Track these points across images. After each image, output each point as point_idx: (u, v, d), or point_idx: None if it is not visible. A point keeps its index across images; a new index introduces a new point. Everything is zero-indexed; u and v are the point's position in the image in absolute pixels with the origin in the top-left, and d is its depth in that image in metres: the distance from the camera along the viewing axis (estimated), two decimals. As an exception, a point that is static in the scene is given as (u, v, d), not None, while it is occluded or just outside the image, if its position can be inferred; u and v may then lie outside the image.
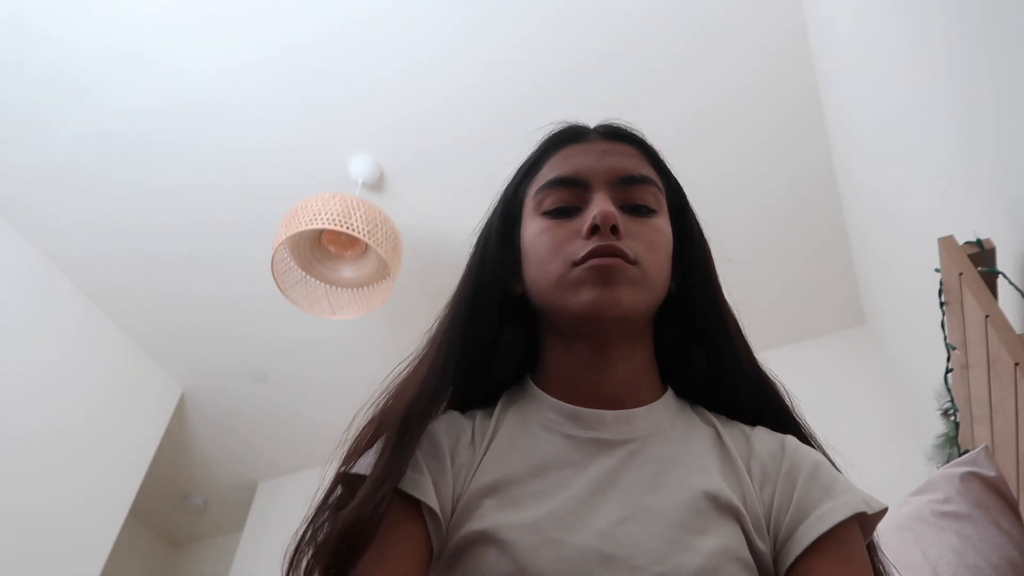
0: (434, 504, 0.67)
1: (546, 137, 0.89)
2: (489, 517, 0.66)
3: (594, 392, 0.77)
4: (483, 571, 0.63)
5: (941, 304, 1.35)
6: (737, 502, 0.68)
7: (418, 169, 2.79)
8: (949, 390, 1.45)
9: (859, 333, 3.10)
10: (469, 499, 0.69)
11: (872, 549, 0.72)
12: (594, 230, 0.75)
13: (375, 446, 0.70)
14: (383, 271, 2.66)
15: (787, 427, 0.79)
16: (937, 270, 1.32)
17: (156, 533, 4.29)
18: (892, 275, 2.36)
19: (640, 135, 0.87)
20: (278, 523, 3.63)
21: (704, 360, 0.81)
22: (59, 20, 2.43)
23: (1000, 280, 1.22)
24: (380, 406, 0.76)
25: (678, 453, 0.73)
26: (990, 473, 1.12)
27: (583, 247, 0.75)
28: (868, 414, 2.76)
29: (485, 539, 0.65)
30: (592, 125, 0.88)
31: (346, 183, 2.74)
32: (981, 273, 1.19)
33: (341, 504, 0.69)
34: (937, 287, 1.35)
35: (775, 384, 0.82)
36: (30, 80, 2.56)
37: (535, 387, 0.80)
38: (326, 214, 2.40)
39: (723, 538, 0.65)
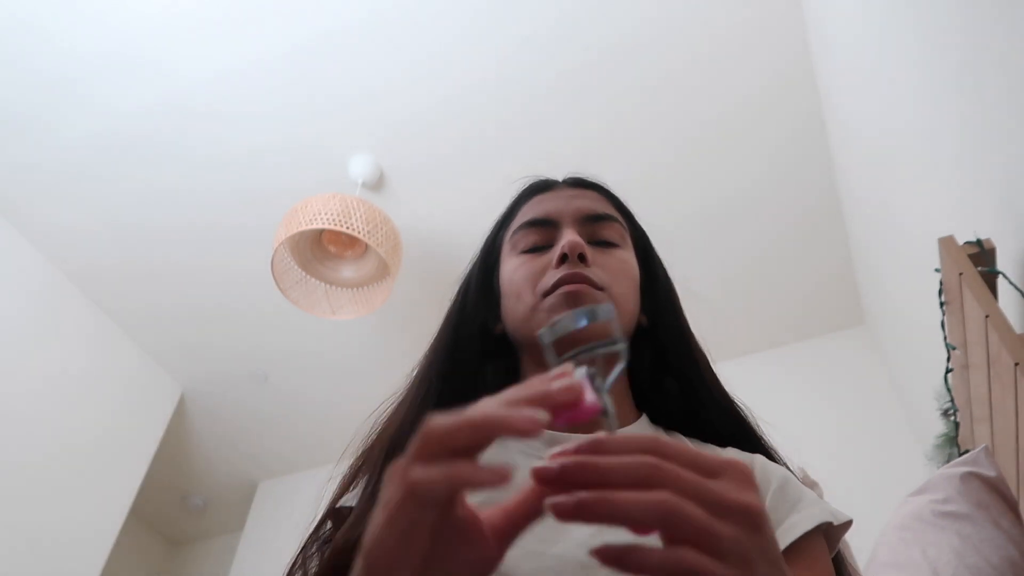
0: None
1: (520, 190, 0.97)
2: None
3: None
4: None
5: (941, 304, 1.35)
6: None
7: (418, 169, 2.79)
8: (949, 390, 1.45)
9: (859, 333, 3.10)
10: None
11: (840, 561, 0.74)
12: (563, 259, 0.80)
13: (360, 483, 0.75)
14: (383, 271, 2.66)
15: (755, 448, 0.82)
16: (937, 270, 1.32)
17: (156, 533, 4.29)
18: (892, 275, 2.36)
19: (604, 184, 0.95)
20: (278, 523, 3.64)
21: (676, 388, 0.85)
22: (59, 21, 2.43)
23: (1000, 280, 1.22)
24: (364, 444, 0.81)
25: None
26: (990, 473, 1.12)
27: (553, 276, 0.80)
28: (868, 414, 2.76)
29: None
30: (560, 179, 0.96)
31: (346, 183, 2.74)
32: (981, 273, 1.19)
33: (331, 537, 0.72)
34: (937, 287, 1.35)
35: (742, 410, 0.86)
36: (31, 82, 2.56)
37: None
38: (326, 214, 2.40)
39: None
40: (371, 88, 2.59)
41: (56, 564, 2.93)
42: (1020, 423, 1.05)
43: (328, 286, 2.71)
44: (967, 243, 1.25)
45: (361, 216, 2.44)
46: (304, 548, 0.73)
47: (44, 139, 2.71)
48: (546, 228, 0.86)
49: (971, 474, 1.12)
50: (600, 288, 0.79)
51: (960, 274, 1.19)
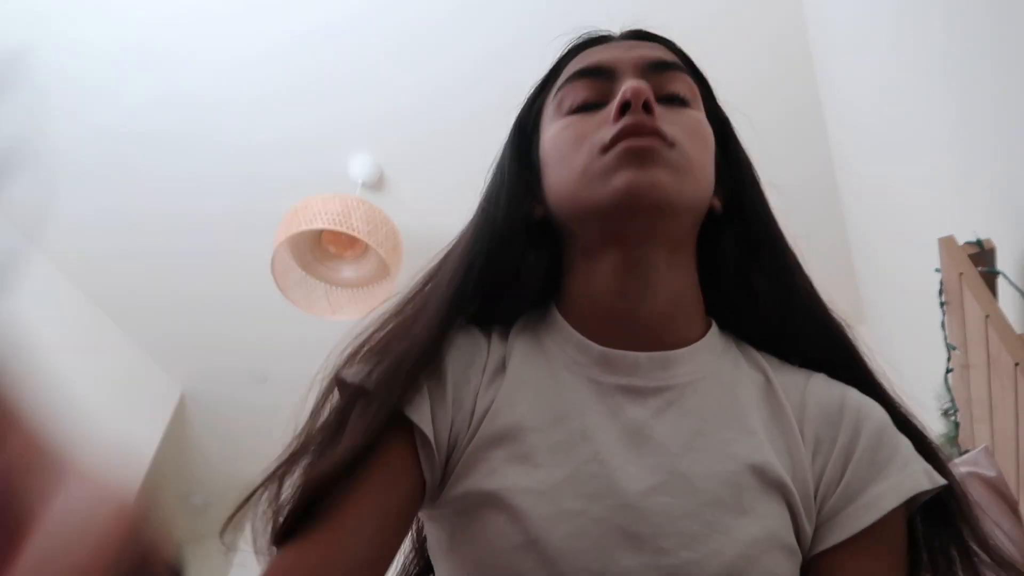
0: (428, 430, 0.59)
1: (565, 46, 0.77)
2: (499, 475, 0.57)
3: (627, 324, 0.64)
4: (490, 539, 0.56)
5: (941, 304, 1.35)
6: (786, 477, 0.58)
7: (418, 169, 2.79)
8: (949, 390, 1.45)
9: (859, 333, 3.09)
10: (477, 446, 0.60)
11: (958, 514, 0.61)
12: (624, 108, 0.63)
13: (384, 359, 0.64)
14: (383, 271, 2.65)
15: (854, 377, 0.67)
16: (937, 270, 1.32)
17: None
18: (892, 275, 2.36)
19: (672, 40, 0.77)
20: (278, 523, 3.64)
21: (767, 287, 0.70)
22: (64, 14, 2.43)
23: (1000, 280, 1.22)
24: (383, 331, 0.70)
25: (722, 408, 0.62)
26: (990, 473, 1.12)
27: (612, 130, 0.63)
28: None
29: (493, 503, 0.56)
30: (616, 32, 0.77)
31: (346, 183, 2.74)
32: (981, 273, 1.19)
33: (341, 415, 0.63)
34: (937, 287, 1.35)
35: (842, 325, 0.71)
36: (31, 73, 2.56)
37: (560, 317, 0.68)
38: (326, 214, 2.40)
39: (766, 520, 0.56)
40: (372, 88, 2.59)
41: (56, 564, 2.93)
42: (1020, 423, 1.05)
43: (328, 286, 2.71)
44: (967, 243, 1.25)
45: (361, 216, 2.44)
46: (306, 428, 0.65)
47: (47, 153, 2.70)
48: (600, 80, 0.68)
49: (971, 474, 1.12)
50: (672, 144, 0.63)
51: (960, 274, 1.19)
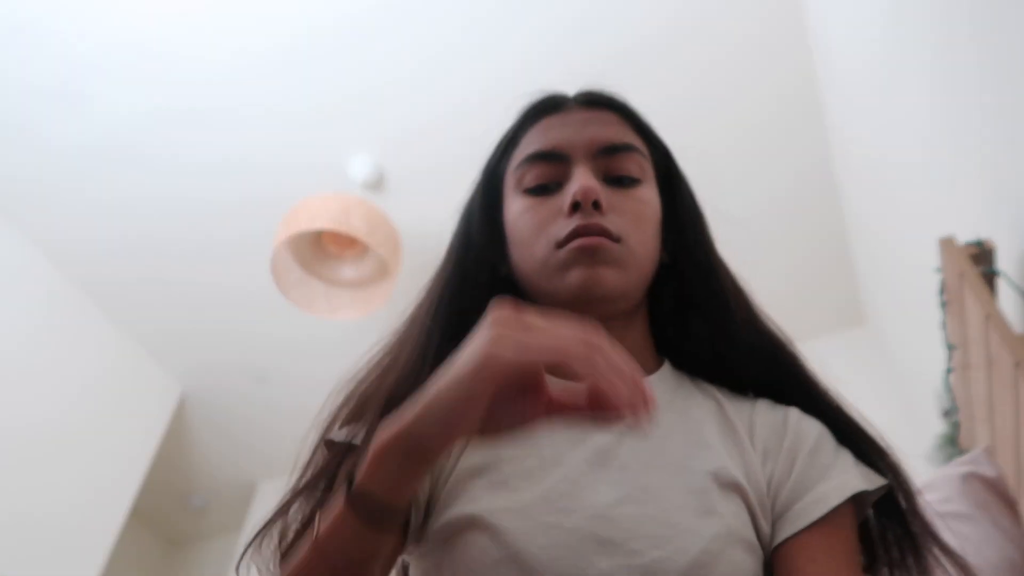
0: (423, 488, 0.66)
1: (524, 109, 0.86)
2: (479, 500, 0.63)
3: None
4: (473, 557, 0.60)
5: (941, 304, 1.35)
6: (741, 479, 0.65)
7: (418, 169, 2.78)
8: (949, 390, 1.45)
9: (859, 333, 3.10)
10: (457, 479, 0.65)
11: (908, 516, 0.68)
12: (575, 207, 0.72)
13: (355, 425, 0.69)
14: (383, 271, 2.65)
15: (797, 396, 0.74)
16: (937, 270, 1.33)
17: (156, 533, 4.28)
18: (892, 275, 2.36)
19: (621, 100, 0.84)
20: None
21: (703, 327, 0.77)
22: (52, 26, 2.42)
23: (1000, 280, 1.22)
24: (364, 384, 0.74)
25: (678, 428, 0.69)
26: (990, 473, 1.12)
27: (566, 226, 0.72)
28: (868, 414, 2.75)
29: (475, 524, 0.61)
30: (571, 93, 0.85)
31: (346, 183, 2.74)
32: (981, 273, 1.19)
33: (327, 470, 0.69)
34: (937, 287, 1.35)
35: (784, 351, 0.77)
36: (27, 87, 2.55)
37: None
38: (326, 214, 2.40)
39: (727, 519, 0.62)
40: (372, 88, 2.59)
41: (56, 564, 2.93)
42: (1020, 423, 1.05)
43: (328, 286, 2.71)
44: (967, 243, 1.25)
45: (361, 216, 2.44)
46: (299, 486, 0.69)
47: (40, 139, 2.70)
48: (555, 163, 0.77)
49: (971, 474, 1.12)
50: (616, 239, 0.72)
51: (960, 274, 1.19)
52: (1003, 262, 1.23)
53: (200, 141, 2.72)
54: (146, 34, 2.47)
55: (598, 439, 0.67)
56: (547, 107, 0.83)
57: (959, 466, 1.16)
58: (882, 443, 0.72)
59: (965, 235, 1.27)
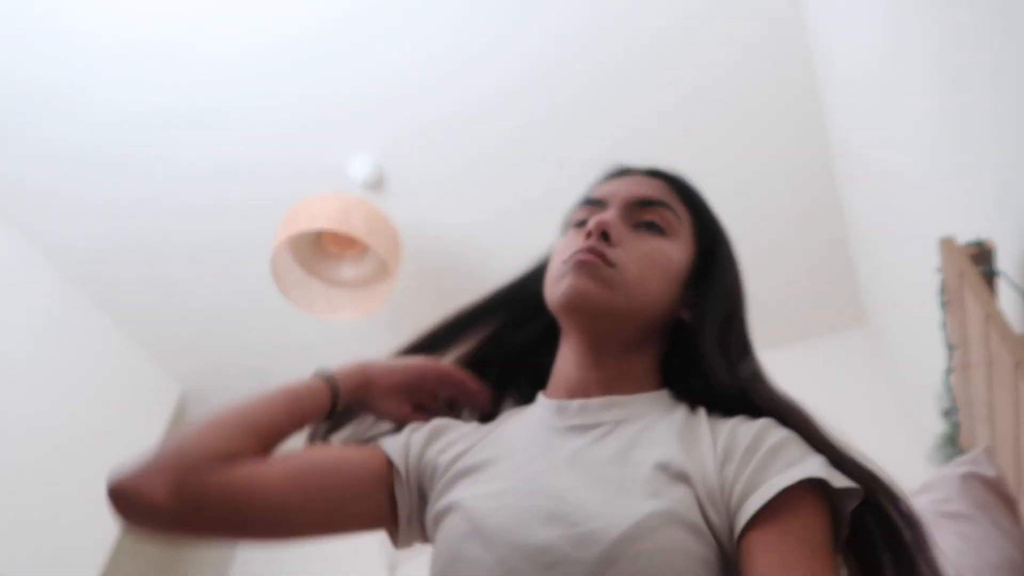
0: (401, 467, 0.82)
1: (597, 177, 0.98)
2: (460, 492, 0.77)
3: (583, 386, 0.83)
4: (449, 534, 0.73)
5: (941, 304, 1.35)
6: (688, 470, 0.70)
7: (418, 169, 2.78)
8: (949, 390, 1.45)
9: (859, 333, 3.10)
10: (450, 478, 0.79)
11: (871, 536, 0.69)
12: (589, 234, 0.83)
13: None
14: (383, 271, 2.65)
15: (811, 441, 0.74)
16: (937, 270, 1.33)
17: (156, 533, 4.28)
18: (892, 275, 2.36)
19: (680, 176, 0.94)
20: (278, 523, 3.63)
21: (702, 387, 0.82)
22: (45, 26, 2.42)
23: (1000, 280, 1.22)
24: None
25: (646, 433, 0.76)
26: (990, 473, 1.12)
27: (575, 248, 0.83)
28: (868, 414, 2.76)
29: (453, 509, 0.75)
30: (638, 167, 0.96)
31: (346, 183, 2.74)
32: (981, 273, 1.19)
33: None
34: (937, 287, 1.35)
35: (793, 410, 0.78)
36: (25, 87, 2.56)
37: (540, 396, 0.88)
38: (326, 214, 2.40)
39: (669, 502, 0.66)
40: (372, 88, 2.59)
41: (56, 564, 2.93)
42: (1020, 423, 1.06)
43: (328, 286, 2.71)
44: (967, 243, 1.25)
45: (361, 216, 2.44)
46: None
47: (41, 141, 2.71)
48: (595, 207, 0.89)
49: (971, 474, 1.12)
50: (612, 264, 0.81)
51: (960, 274, 1.19)
52: (1003, 262, 1.23)
53: (200, 142, 2.72)
54: (147, 35, 2.47)
55: (574, 443, 0.77)
56: (614, 172, 0.96)
57: (959, 466, 1.16)
58: (886, 480, 0.71)
59: (965, 235, 1.27)
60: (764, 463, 0.69)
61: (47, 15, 2.41)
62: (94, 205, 2.90)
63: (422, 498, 0.81)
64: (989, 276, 1.21)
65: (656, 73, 2.51)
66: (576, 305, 0.81)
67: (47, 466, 2.99)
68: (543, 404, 0.85)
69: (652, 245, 0.85)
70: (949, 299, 1.31)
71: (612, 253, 0.82)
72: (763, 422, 0.74)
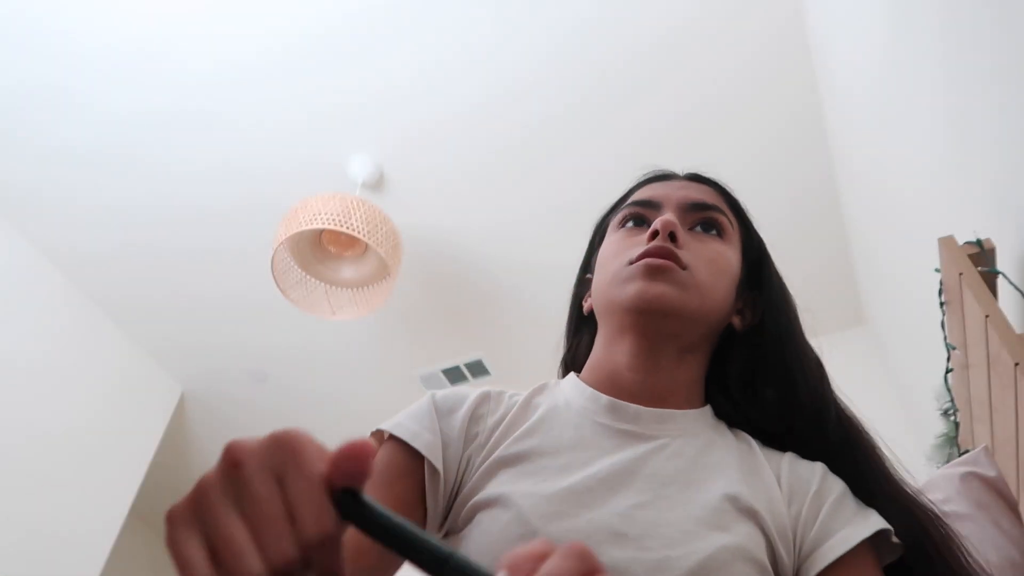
0: (438, 464, 0.72)
1: (638, 179, 0.96)
2: (507, 484, 0.69)
3: (635, 390, 0.79)
4: (495, 531, 0.65)
5: (941, 304, 1.35)
6: (760, 508, 0.69)
7: (418, 169, 2.78)
8: (949, 390, 1.45)
9: (859, 333, 3.10)
10: (489, 468, 0.72)
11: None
12: (654, 235, 0.80)
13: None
14: (383, 271, 2.65)
15: (872, 485, 0.77)
16: (937, 270, 1.32)
17: (156, 533, 4.28)
18: (892, 275, 2.36)
19: (724, 184, 0.94)
20: (278, 523, 3.63)
21: (773, 397, 0.81)
22: (44, 29, 2.42)
23: (1000, 280, 1.22)
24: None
25: (705, 455, 0.74)
26: (990, 473, 1.12)
27: (640, 249, 0.81)
28: (868, 414, 2.75)
29: (500, 502, 0.67)
30: (679, 171, 0.96)
31: (346, 183, 2.74)
32: (981, 273, 1.19)
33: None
34: (937, 287, 1.34)
35: (850, 431, 0.82)
36: (26, 88, 2.56)
37: (578, 379, 0.84)
38: (326, 214, 2.40)
39: (739, 538, 0.65)
40: (372, 88, 2.59)
41: (56, 564, 2.93)
42: (1020, 423, 1.05)
43: (328, 286, 2.71)
44: (967, 243, 1.25)
45: (361, 216, 2.44)
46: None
47: (38, 138, 2.71)
48: (648, 209, 0.87)
49: (971, 474, 1.12)
50: (684, 267, 0.79)
51: (960, 274, 1.19)
52: (1003, 262, 1.23)
53: (202, 144, 2.72)
54: (150, 36, 2.47)
55: (630, 450, 0.73)
56: (656, 176, 0.94)
57: (959, 466, 1.16)
58: (932, 517, 0.75)
59: (965, 235, 1.27)
60: (835, 511, 0.70)
61: (50, 17, 2.41)
62: (94, 207, 2.90)
63: (453, 489, 0.74)
64: (989, 276, 1.21)
65: (659, 79, 2.51)
66: (653, 308, 0.78)
67: (47, 464, 2.99)
68: (584, 393, 0.80)
69: (715, 248, 0.84)
70: (949, 299, 1.31)
71: (683, 255, 0.80)
72: (821, 466, 0.76)
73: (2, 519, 2.78)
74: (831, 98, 2.44)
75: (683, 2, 2.37)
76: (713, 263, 0.82)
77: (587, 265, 0.96)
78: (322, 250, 2.71)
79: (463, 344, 3.35)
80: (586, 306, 0.91)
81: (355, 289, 2.74)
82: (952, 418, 1.46)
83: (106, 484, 3.20)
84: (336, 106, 2.63)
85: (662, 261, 0.79)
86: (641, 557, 0.62)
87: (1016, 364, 1.01)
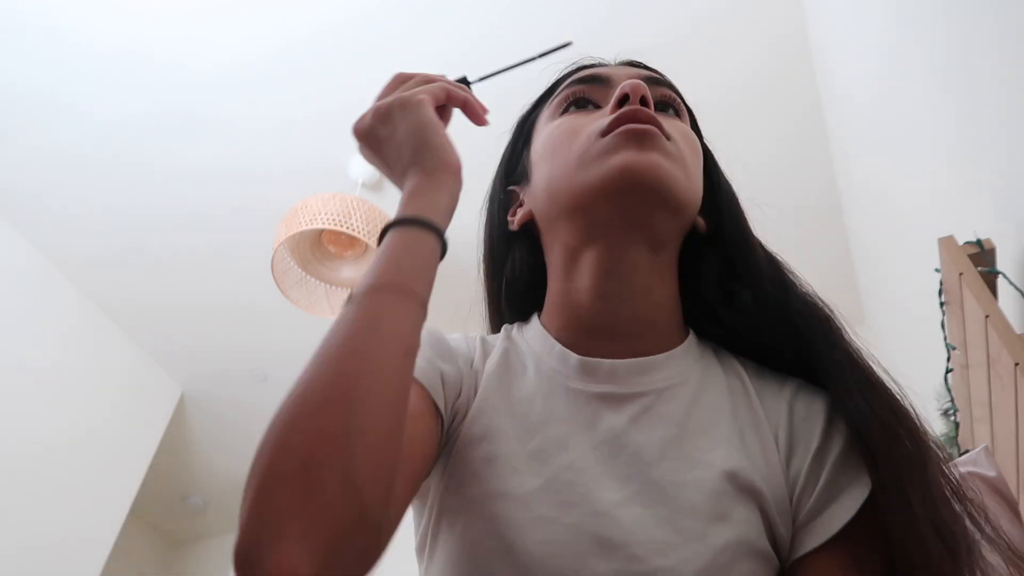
0: (445, 414, 0.62)
1: (563, 70, 0.80)
2: (481, 480, 0.59)
3: (607, 328, 0.66)
4: (470, 544, 0.57)
5: (941, 304, 1.35)
6: (760, 483, 0.59)
7: (418, 169, 2.79)
8: (949, 390, 1.45)
9: (859, 333, 3.10)
10: (463, 443, 0.62)
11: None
12: (623, 101, 0.65)
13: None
14: (383, 271, 2.65)
15: (855, 379, 0.64)
16: (937, 270, 1.32)
17: (156, 533, 4.28)
18: (892, 275, 2.36)
19: (660, 72, 0.79)
20: (278, 523, 3.63)
21: (750, 298, 0.69)
22: (41, 30, 2.43)
23: (1000, 280, 1.22)
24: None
25: (697, 415, 0.63)
26: (990, 473, 1.12)
27: (610, 118, 0.65)
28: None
29: (474, 509, 0.58)
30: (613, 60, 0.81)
31: (346, 183, 2.74)
32: (981, 273, 1.19)
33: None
34: (937, 287, 1.34)
35: (837, 326, 0.69)
36: (25, 89, 2.56)
37: (542, 328, 0.70)
38: (326, 214, 2.40)
39: (740, 527, 0.56)
40: (373, 89, 2.59)
41: (56, 564, 2.93)
42: (1020, 423, 1.05)
43: (328, 286, 2.71)
44: (967, 243, 1.25)
45: (361, 216, 2.44)
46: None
47: (38, 141, 2.71)
48: (595, 86, 0.72)
49: (971, 474, 1.12)
50: (669, 138, 0.65)
51: (960, 274, 1.19)
52: (1003, 262, 1.23)
53: (203, 146, 2.72)
54: (150, 40, 2.48)
55: (609, 420, 0.62)
56: (589, 64, 0.79)
57: (959, 466, 1.15)
58: (933, 439, 0.63)
59: (965, 235, 1.27)
60: (834, 476, 0.58)
61: (52, 21, 2.41)
62: (95, 210, 2.91)
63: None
64: (989, 276, 1.21)
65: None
66: (647, 182, 0.63)
67: (48, 464, 2.99)
68: (552, 351, 0.67)
69: (681, 126, 0.70)
70: (949, 299, 1.31)
71: (664, 124, 0.65)
72: (826, 405, 0.63)
73: (2, 519, 2.78)
74: (832, 97, 2.44)
75: (683, 12, 2.37)
76: (688, 139, 0.69)
77: (508, 172, 0.81)
78: (322, 250, 2.71)
79: (463, 344, 3.35)
80: (518, 218, 0.75)
81: (355, 289, 2.74)
82: (952, 418, 1.46)
83: (106, 484, 3.20)
84: (337, 107, 2.64)
85: (647, 126, 0.63)
86: (630, 569, 0.54)
87: (1016, 364, 1.01)
